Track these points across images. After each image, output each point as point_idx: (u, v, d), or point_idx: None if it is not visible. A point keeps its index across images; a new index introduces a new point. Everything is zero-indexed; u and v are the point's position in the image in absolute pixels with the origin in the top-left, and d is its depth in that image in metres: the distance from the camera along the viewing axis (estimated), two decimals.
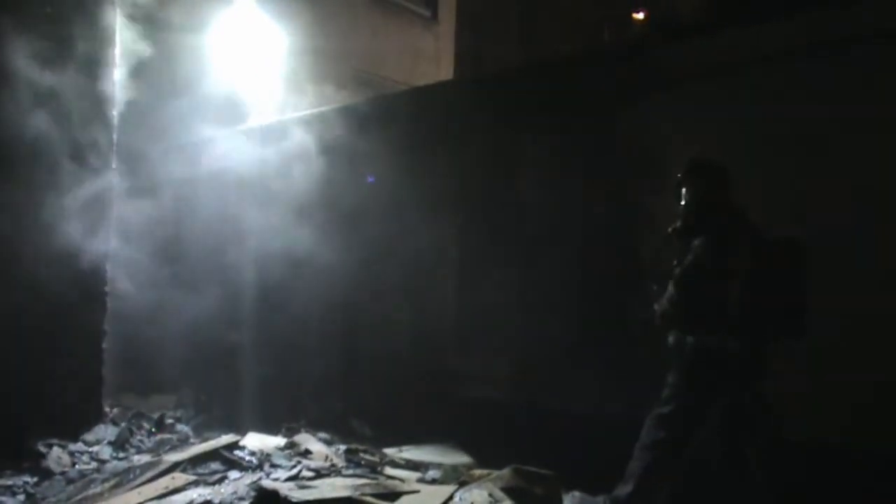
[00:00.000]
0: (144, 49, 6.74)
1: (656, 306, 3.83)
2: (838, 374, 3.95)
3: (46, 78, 5.58)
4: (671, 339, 3.83)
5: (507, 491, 4.20)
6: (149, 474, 4.71)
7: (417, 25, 13.91)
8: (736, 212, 3.72)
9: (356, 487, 4.26)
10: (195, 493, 4.42)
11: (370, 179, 6.54)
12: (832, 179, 4.10)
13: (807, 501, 3.66)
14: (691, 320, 3.71)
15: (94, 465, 5.26)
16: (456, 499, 4.17)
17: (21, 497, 4.67)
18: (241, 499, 4.30)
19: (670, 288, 3.72)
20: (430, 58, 13.92)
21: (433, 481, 4.68)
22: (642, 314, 4.05)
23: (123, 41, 6.34)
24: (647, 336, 4.18)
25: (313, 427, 5.94)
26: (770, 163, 4.30)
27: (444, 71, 13.91)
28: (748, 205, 3.75)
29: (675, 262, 3.78)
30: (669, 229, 3.87)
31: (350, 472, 4.84)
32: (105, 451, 5.50)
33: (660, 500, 3.85)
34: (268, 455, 5.11)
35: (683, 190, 3.85)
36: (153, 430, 6.11)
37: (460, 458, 5.20)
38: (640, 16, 15.64)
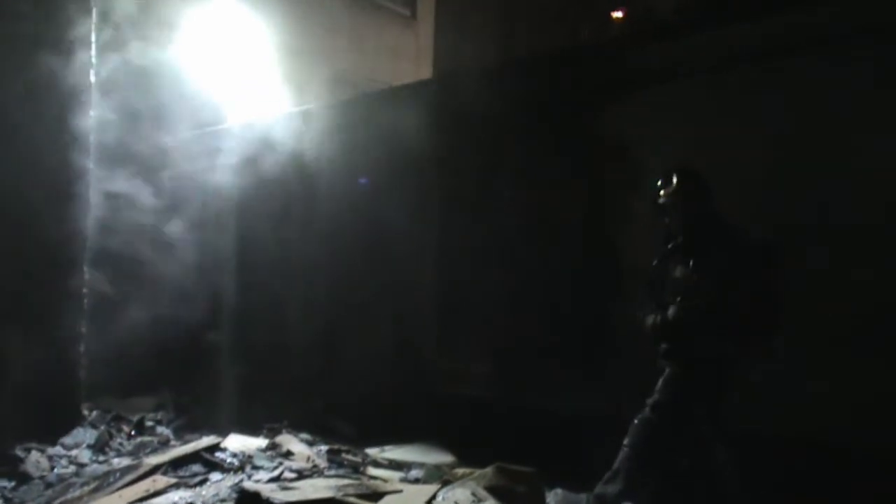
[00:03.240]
0: (123, 47, 6.69)
1: (648, 319, 3.85)
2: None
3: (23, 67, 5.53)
4: (663, 345, 3.84)
5: (490, 489, 4.21)
6: (129, 477, 4.66)
7: (397, 24, 13.89)
8: (724, 223, 3.75)
9: (339, 488, 4.25)
10: (176, 495, 4.40)
11: (362, 181, 6.52)
12: (814, 178, 4.14)
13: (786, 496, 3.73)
14: (690, 331, 3.74)
15: (72, 468, 5.20)
16: (439, 498, 4.17)
17: None
18: (223, 501, 4.28)
19: (677, 311, 3.73)
20: (410, 56, 13.91)
21: (416, 481, 4.69)
22: (626, 313, 4.08)
23: (100, 39, 6.27)
24: (628, 335, 4.21)
25: (295, 428, 5.91)
26: (750, 162, 4.34)
27: (423, 69, 13.90)
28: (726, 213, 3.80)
29: (654, 263, 3.81)
30: (669, 245, 3.85)
31: (332, 472, 4.83)
32: (84, 455, 5.44)
33: (644, 498, 3.88)
34: (249, 457, 5.09)
35: (672, 200, 3.83)
36: (133, 432, 6.06)
37: (443, 458, 5.20)
38: (619, 14, 15.70)
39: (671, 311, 3.74)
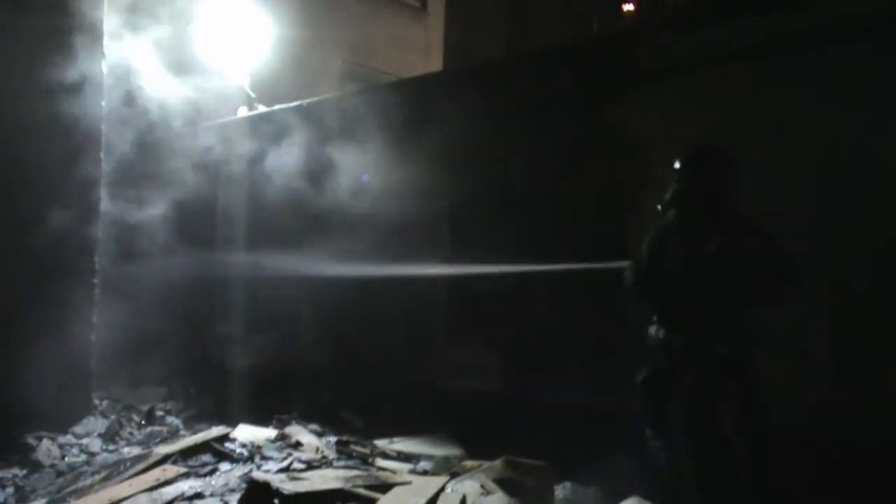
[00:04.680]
0: (132, 37, 6.71)
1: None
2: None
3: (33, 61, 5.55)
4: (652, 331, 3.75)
5: (499, 482, 4.22)
6: (139, 466, 4.69)
7: (407, 16, 13.86)
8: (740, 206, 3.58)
9: (347, 479, 4.26)
10: (186, 485, 4.42)
11: (365, 178, 6.51)
12: (821, 173, 4.12)
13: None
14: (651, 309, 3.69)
15: (83, 457, 5.24)
16: (448, 490, 4.18)
17: (10, 489, 4.64)
18: (232, 491, 4.30)
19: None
20: (420, 49, 13.88)
21: (425, 473, 4.70)
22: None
23: (110, 28, 6.29)
24: (638, 327, 4.19)
25: (304, 419, 5.94)
26: (759, 155, 4.31)
27: (433, 62, 13.87)
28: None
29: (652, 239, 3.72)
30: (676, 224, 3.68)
31: (341, 463, 4.85)
32: (95, 444, 5.48)
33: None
34: (259, 447, 5.11)
35: (690, 177, 3.60)
36: (143, 422, 6.09)
37: (452, 450, 5.21)
38: (630, 7, 15.63)
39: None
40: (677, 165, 3.65)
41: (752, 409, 3.42)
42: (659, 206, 3.72)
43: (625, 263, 3.87)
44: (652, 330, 3.68)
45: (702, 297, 3.45)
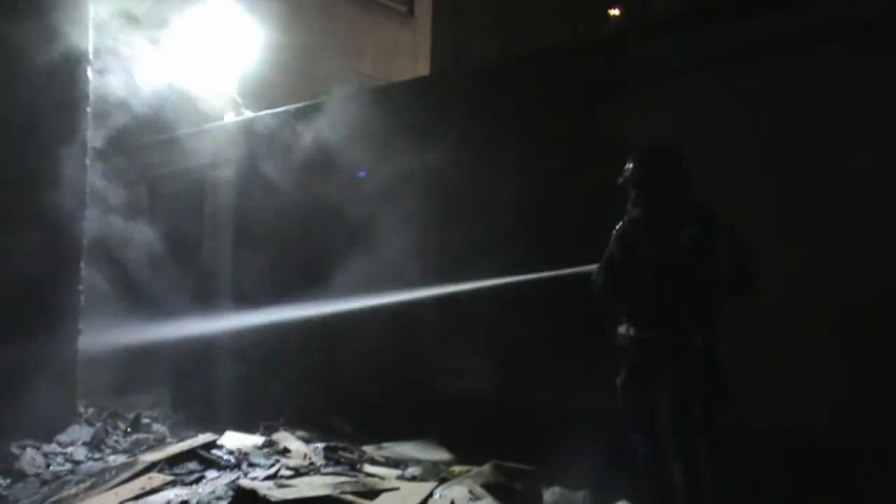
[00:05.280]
0: (119, 43, 6.68)
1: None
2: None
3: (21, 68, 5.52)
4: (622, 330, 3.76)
5: (488, 487, 4.21)
6: (125, 475, 4.66)
7: (394, 21, 13.87)
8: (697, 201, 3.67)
9: (335, 485, 4.24)
10: (172, 493, 4.39)
11: (362, 174, 6.49)
12: (809, 175, 4.13)
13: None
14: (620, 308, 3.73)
15: (68, 466, 5.19)
16: (436, 496, 4.17)
17: None
18: (219, 498, 4.27)
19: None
20: (408, 53, 13.89)
21: (413, 478, 4.68)
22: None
23: (97, 35, 6.26)
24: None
25: (292, 425, 5.91)
26: (745, 158, 4.33)
27: (421, 66, 13.89)
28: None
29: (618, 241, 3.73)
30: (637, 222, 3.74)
31: (329, 469, 4.83)
32: (80, 452, 5.43)
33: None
34: (246, 454, 5.08)
35: (648, 178, 3.73)
36: (129, 430, 6.05)
37: (440, 455, 5.20)
38: (616, 12, 15.71)
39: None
40: (635, 166, 3.76)
41: (721, 401, 3.47)
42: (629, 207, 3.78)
43: (592, 267, 3.89)
44: (622, 329, 3.72)
45: (677, 290, 3.49)
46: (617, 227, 3.76)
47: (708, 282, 3.45)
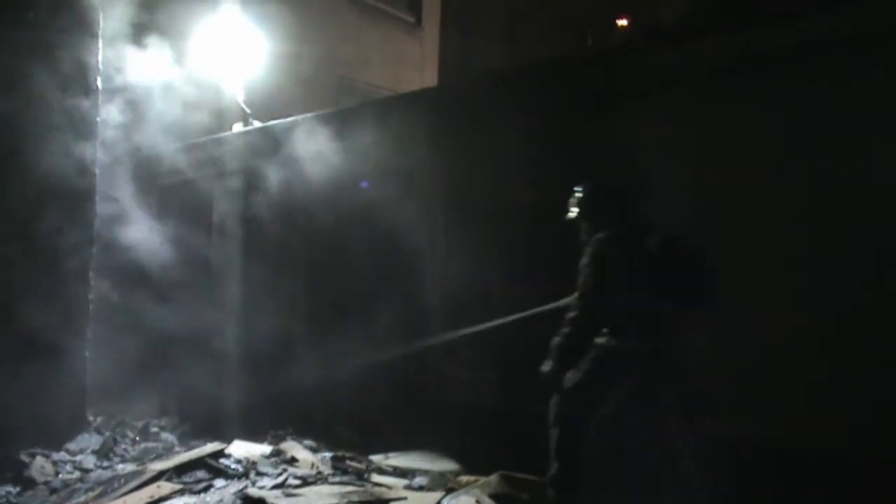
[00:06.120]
0: (127, 53, 6.74)
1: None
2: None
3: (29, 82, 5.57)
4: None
5: (495, 497, 4.22)
6: (133, 483, 4.67)
7: (402, 31, 13.93)
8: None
9: (343, 495, 4.26)
10: (180, 501, 4.41)
11: (364, 184, 6.52)
12: (816, 184, 4.14)
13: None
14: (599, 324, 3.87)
15: (77, 474, 5.21)
16: None
17: None
18: None
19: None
20: (415, 63, 13.94)
21: (420, 488, 4.69)
22: None
23: (106, 44, 6.32)
24: None
25: (299, 434, 5.92)
26: (751, 168, 4.34)
27: (428, 76, 13.94)
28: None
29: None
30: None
31: (336, 479, 4.84)
32: (89, 460, 5.45)
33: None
34: (253, 463, 5.10)
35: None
36: (137, 438, 6.07)
37: (447, 465, 5.20)
38: (624, 22, 15.76)
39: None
40: (591, 192, 4.14)
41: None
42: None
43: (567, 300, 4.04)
44: (602, 340, 3.86)
45: (652, 297, 3.67)
46: (589, 252, 3.92)
47: (680, 284, 3.62)
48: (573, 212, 4.18)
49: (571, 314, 3.91)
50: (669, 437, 3.73)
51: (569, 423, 3.86)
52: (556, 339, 3.96)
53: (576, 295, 3.93)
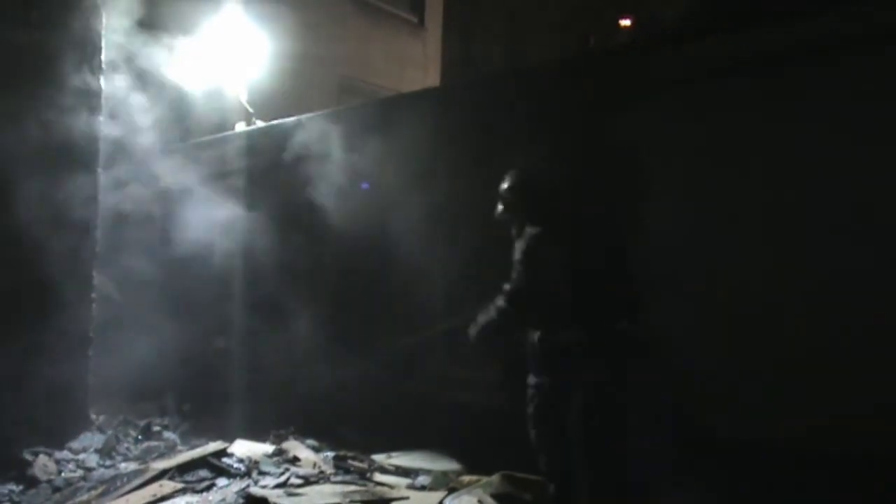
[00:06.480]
0: (131, 53, 6.74)
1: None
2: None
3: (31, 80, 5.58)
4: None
5: (497, 497, 4.22)
6: (136, 482, 4.68)
7: (405, 32, 13.94)
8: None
9: (345, 494, 4.26)
10: (183, 500, 4.41)
11: (364, 186, 6.53)
12: (819, 188, 4.13)
13: None
14: (533, 319, 3.95)
15: (80, 472, 5.21)
16: None
17: None
18: None
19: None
20: (418, 64, 13.95)
21: (422, 488, 4.69)
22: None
23: (109, 45, 6.33)
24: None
25: (302, 434, 5.92)
26: (755, 171, 4.34)
27: (431, 77, 13.94)
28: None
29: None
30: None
31: (339, 478, 4.84)
32: (91, 459, 5.45)
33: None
34: (256, 462, 5.10)
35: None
36: (140, 437, 6.06)
37: (450, 465, 5.20)
38: (627, 22, 15.75)
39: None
40: (515, 187, 4.17)
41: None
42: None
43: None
44: (535, 336, 3.98)
45: (591, 285, 3.77)
46: (521, 248, 3.97)
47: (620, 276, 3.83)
48: (499, 207, 4.20)
49: (502, 305, 3.97)
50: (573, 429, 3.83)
51: (543, 424, 4.00)
52: (487, 318, 4.05)
53: (506, 288, 3.98)
